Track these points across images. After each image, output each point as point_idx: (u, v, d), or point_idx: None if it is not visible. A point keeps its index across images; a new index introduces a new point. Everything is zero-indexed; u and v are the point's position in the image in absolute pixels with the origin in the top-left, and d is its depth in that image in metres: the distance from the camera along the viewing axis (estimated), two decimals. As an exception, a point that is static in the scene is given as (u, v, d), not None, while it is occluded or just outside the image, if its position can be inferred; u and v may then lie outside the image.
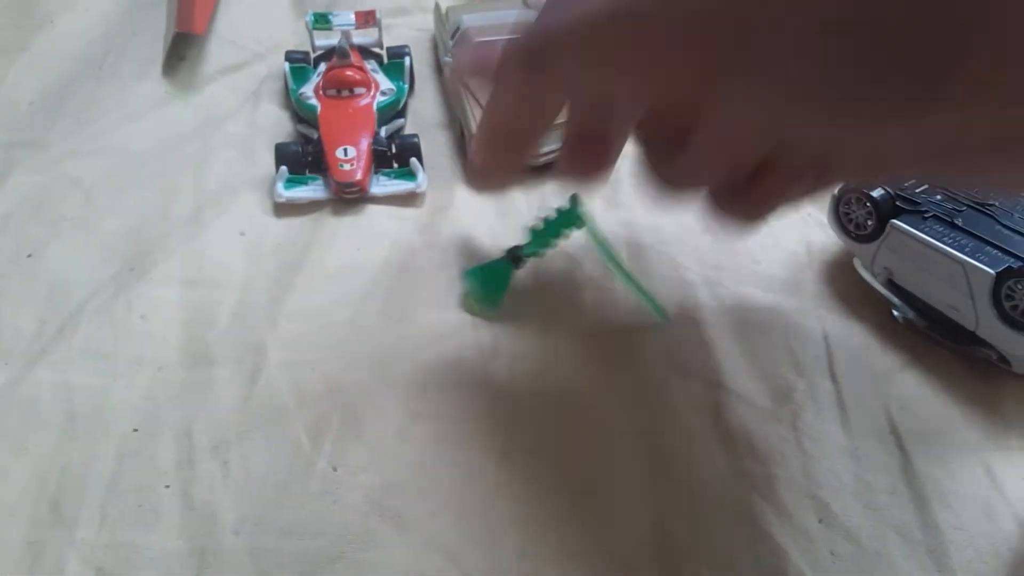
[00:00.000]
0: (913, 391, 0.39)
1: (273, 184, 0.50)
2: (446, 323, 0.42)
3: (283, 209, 0.49)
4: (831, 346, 0.41)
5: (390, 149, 0.52)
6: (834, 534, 0.33)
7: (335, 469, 0.36)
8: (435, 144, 0.55)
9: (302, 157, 0.51)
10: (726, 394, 0.39)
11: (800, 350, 0.41)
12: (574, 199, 0.44)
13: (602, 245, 0.44)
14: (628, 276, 0.43)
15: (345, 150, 0.50)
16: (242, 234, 0.48)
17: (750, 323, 0.42)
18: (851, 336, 0.41)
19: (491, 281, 0.44)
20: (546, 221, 0.46)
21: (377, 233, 0.48)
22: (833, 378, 0.39)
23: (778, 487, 0.35)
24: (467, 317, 0.43)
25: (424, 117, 0.58)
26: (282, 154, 0.51)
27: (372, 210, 0.49)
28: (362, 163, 0.50)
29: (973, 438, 0.37)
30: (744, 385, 0.39)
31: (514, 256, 0.45)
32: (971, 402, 0.38)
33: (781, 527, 0.33)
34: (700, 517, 0.34)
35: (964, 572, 0.32)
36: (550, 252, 0.45)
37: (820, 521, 0.34)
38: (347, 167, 0.49)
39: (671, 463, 0.36)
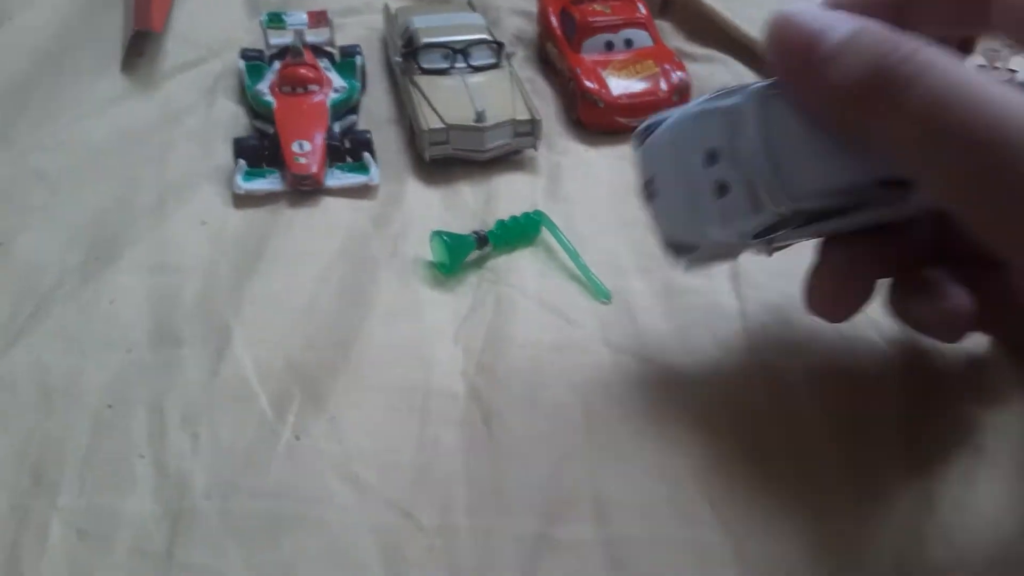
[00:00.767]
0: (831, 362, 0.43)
1: (232, 176, 0.53)
2: (399, 308, 0.46)
3: (242, 200, 0.52)
4: (747, 322, 0.45)
5: (343, 144, 0.55)
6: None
7: (298, 438, 0.39)
8: (387, 139, 0.58)
9: (260, 151, 0.54)
10: (654, 368, 0.43)
11: (718, 325, 0.45)
12: (539, 211, 0.51)
13: (555, 230, 0.50)
14: (575, 255, 0.48)
15: (300, 144, 0.53)
16: (203, 223, 0.50)
17: (678, 307, 0.46)
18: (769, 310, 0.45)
19: (454, 249, 0.48)
20: (513, 218, 0.50)
21: (332, 223, 0.51)
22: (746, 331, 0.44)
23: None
24: (419, 301, 0.46)
25: (376, 114, 0.61)
26: (241, 148, 0.54)
27: (327, 202, 0.53)
28: (317, 157, 0.53)
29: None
30: (672, 360, 0.43)
31: (479, 235, 0.48)
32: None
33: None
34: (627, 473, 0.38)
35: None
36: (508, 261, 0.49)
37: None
38: (302, 160, 0.52)
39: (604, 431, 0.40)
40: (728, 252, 0.37)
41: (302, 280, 0.47)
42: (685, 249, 0.36)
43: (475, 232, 0.49)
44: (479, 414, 0.40)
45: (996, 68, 0.56)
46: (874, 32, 0.27)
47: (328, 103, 0.57)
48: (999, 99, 0.24)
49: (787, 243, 0.35)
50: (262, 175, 0.53)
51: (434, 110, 0.56)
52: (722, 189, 0.31)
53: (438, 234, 0.48)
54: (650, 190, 0.37)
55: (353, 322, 0.45)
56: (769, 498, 0.37)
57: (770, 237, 0.30)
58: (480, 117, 0.54)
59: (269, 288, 0.46)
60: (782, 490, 0.37)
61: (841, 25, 0.27)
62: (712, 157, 0.32)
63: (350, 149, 0.55)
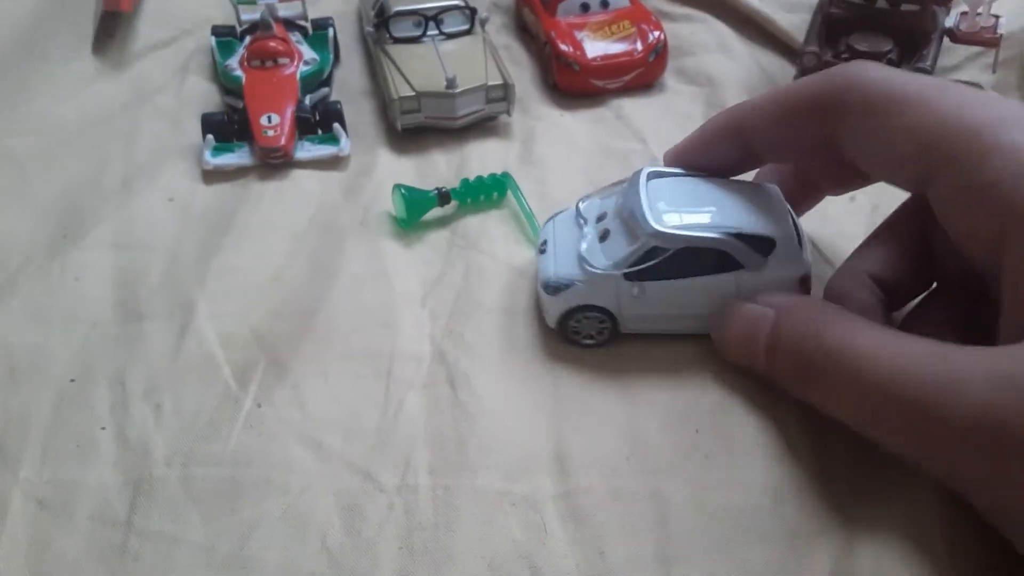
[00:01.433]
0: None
1: (201, 152, 0.52)
2: (367, 275, 0.45)
3: (211, 176, 0.52)
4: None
5: (314, 116, 0.54)
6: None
7: (259, 405, 0.38)
8: (360, 111, 0.58)
9: (228, 125, 0.53)
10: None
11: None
12: (506, 173, 0.50)
13: (517, 193, 0.49)
14: (530, 217, 0.47)
15: (269, 117, 0.53)
16: (171, 200, 0.50)
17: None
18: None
19: (414, 203, 0.48)
20: (479, 177, 0.49)
21: (302, 195, 0.50)
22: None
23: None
24: (387, 269, 0.46)
25: (349, 85, 0.60)
26: (208, 123, 0.53)
27: (297, 174, 0.52)
28: (285, 129, 0.52)
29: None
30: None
31: (441, 192, 0.48)
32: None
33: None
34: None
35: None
36: (471, 221, 0.49)
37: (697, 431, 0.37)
38: (271, 133, 0.52)
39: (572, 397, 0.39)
40: (602, 291, 0.40)
41: (269, 252, 0.46)
42: (562, 287, 0.40)
43: (437, 188, 0.48)
44: (444, 376, 0.40)
45: (979, 14, 0.54)
46: (791, 317, 0.35)
47: (298, 76, 0.56)
48: (902, 358, 0.30)
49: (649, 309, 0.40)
50: (231, 149, 0.53)
51: (405, 78, 0.55)
52: (605, 235, 0.40)
53: (398, 187, 0.48)
54: (543, 248, 0.42)
55: (319, 291, 0.44)
56: (734, 451, 0.36)
57: (640, 269, 0.38)
58: (451, 83, 0.53)
59: (235, 262, 0.46)
60: (747, 440, 0.36)
61: (767, 316, 0.36)
62: (601, 217, 0.41)
63: (320, 121, 0.54)
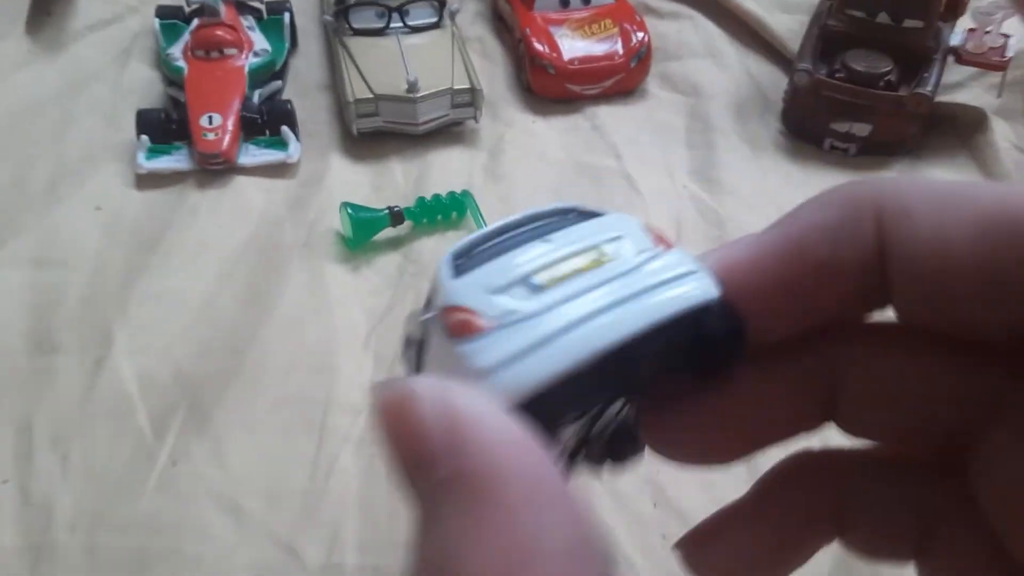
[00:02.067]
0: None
1: (135, 154, 0.48)
2: (307, 307, 0.41)
3: (145, 181, 0.47)
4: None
5: (261, 116, 0.50)
6: (668, 517, 0.34)
7: (175, 464, 0.35)
8: (315, 108, 0.53)
9: (166, 124, 0.49)
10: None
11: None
12: (466, 192, 0.46)
13: (477, 215, 0.46)
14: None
15: (210, 118, 0.48)
16: (99, 209, 0.46)
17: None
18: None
19: (363, 223, 0.44)
20: (436, 196, 0.45)
21: (242, 207, 0.46)
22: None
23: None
24: (330, 300, 0.42)
25: (306, 78, 0.56)
26: (144, 121, 0.49)
27: (240, 182, 0.48)
28: (228, 132, 0.48)
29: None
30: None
31: (393, 211, 0.44)
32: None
33: (616, 512, 0.34)
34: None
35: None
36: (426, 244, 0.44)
37: (655, 505, 0.34)
38: (211, 136, 0.47)
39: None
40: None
41: (201, 275, 0.42)
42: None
43: (389, 208, 0.44)
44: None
45: (988, 32, 0.50)
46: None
47: (246, 69, 0.51)
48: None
49: None
50: (167, 151, 0.48)
51: (363, 78, 0.50)
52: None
53: (345, 206, 0.44)
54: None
55: (253, 324, 0.40)
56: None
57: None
58: (412, 86, 0.49)
59: (163, 285, 0.42)
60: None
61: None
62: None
63: (268, 122, 0.50)
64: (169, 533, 0.33)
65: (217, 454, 0.35)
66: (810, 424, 0.19)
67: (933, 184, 0.17)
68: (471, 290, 0.17)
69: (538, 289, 0.17)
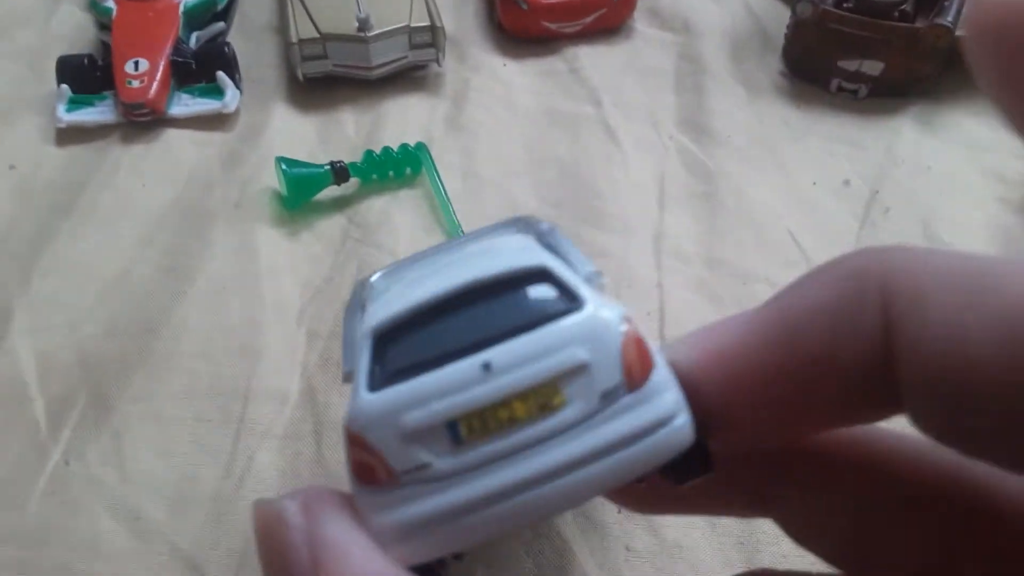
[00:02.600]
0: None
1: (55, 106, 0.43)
2: (233, 278, 0.36)
3: (66, 136, 0.42)
4: (663, 293, 0.35)
5: (197, 61, 0.44)
6: (634, 527, 0.29)
7: (68, 463, 0.30)
8: (260, 53, 0.48)
9: (90, 72, 0.44)
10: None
11: (632, 295, 0.35)
12: (421, 144, 0.41)
13: (432, 172, 0.40)
14: (445, 205, 0.38)
15: (136, 63, 0.43)
16: (12, 168, 0.41)
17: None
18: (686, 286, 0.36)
19: (301, 181, 0.39)
20: (386, 149, 0.40)
21: (170, 165, 0.41)
22: (662, 335, 0.34)
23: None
24: (260, 269, 0.37)
25: (253, 19, 0.50)
26: (65, 68, 0.44)
27: (170, 136, 0.43)
28: (156, 79, 0.42)
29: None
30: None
31: (336, 168, 0.39)
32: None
33: (574, 522, 0.29)
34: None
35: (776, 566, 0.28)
36: (375, 204, 0.39)
37: (619, 512, 0.29)
38: (136, 84, 0.42)
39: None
40: None
41: (117, 242, 0.37)
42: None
43: (332, 163, 0.39)
44: (311, 425, 0.32)
45: None
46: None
47: (181, 8, 0.46)
48: None
49: None
50: (90, 103, 0.43)
51: (309, 16, 0.45)
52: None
53: (280, 160, 0.38)
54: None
55: (170, 298, 0.35)
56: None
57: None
58: (364, 24, 0.43)
59: (72, 254, 0.37)
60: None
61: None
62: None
63: (203, 67, 0.44)
64: (57, 545, 0.29)
65: (116, 452, 0.31)
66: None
67: (952, 261, 0.14)
68: (384, 424, 0.15)
69: (459, 444, 0.14)
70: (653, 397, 0.15)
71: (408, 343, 0.16)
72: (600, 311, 0.15)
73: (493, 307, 0.15)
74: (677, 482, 0.16)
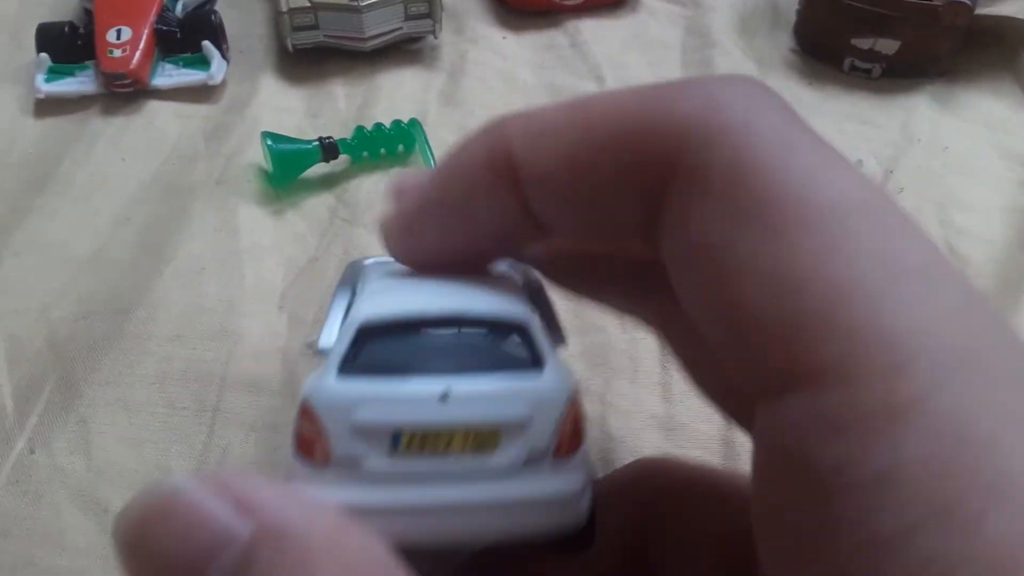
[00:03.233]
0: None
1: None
2: (214, 258, 0.35)
3: (45, 108, 0.41)
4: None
5: (181, 29, 0.43)
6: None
7: (33, 452, 0.29)
8: (250, 22, 0.46)
9: (71, 40, 0.42)
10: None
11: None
12: (414, 120, 0.39)
13: (426, 149, 0.39)
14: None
15: (119, 32, 0.41)
16: (-12, 140, 0.39)
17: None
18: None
19: (287, 157, 0.37)
20: (378, 125, 0.39)
21: (152, 138, 0.39)
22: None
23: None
24: (241, 249, 0.35)
25: (245, -14, 0.48)
26: (44, 36, 0.42)
27: (152, 108, 0.41)
28: (139, 48, 0.41)
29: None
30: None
31: (325, 144, 0.37)
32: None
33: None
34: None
35: None
36: (365, 183, 0.38)
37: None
38: (117, 53, 0.40)
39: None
40: None
41: (93, 220, 0.36)
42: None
43: (320, 139, 0.37)
44: (291, 416, 0.30)
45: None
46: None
47: (167, -26, 0.44)
48: None
49: None
50: (70, 72, 0.41)
51: (299, -18, 0.43)
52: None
53: (266, 136, 0.37)
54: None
55: (145, 279, 0.34)
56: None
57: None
58: (357, -8, 0.42)
59: (46, 232, 0.35)
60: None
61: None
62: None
63: (189, 36, 0.43)
64: (19, 538, 0.27)
65: (83, 440, 0.29)
66: None
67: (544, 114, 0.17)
68: (339, 410, 0.16)
69: (395, 451, 0.15)
70: (570, 472, 0.16)
71: (386, 345, 0.17)
72: (555, 380, 0.16)
73: (469, 340, 0.17)
74: (556, 554, 0.18)
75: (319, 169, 0.38)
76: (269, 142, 0.36)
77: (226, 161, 0.38)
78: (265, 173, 0.38)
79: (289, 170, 0.37)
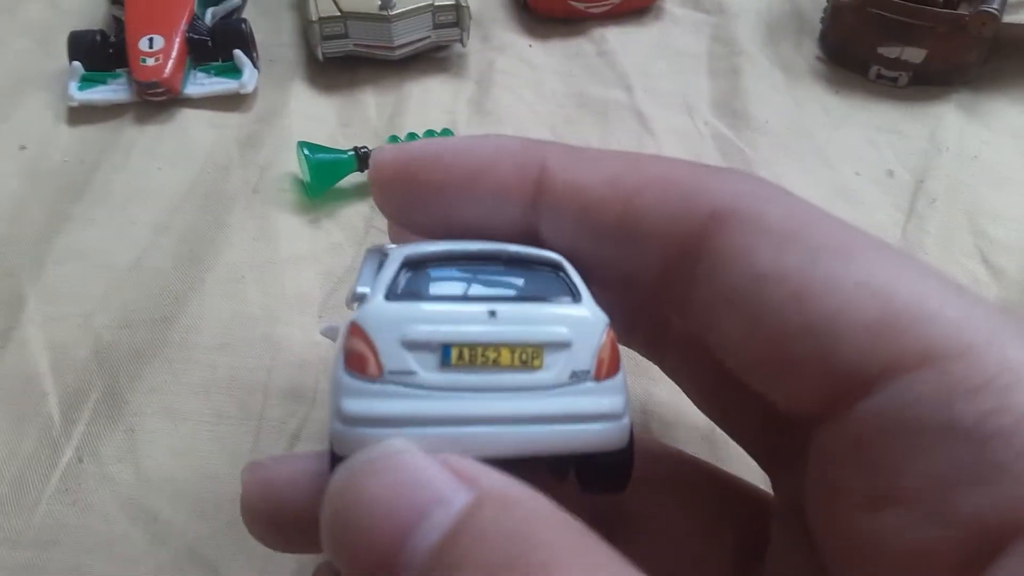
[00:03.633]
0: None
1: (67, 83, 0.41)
2: (252, 267, 0.35)
3: (78, 115, 0.41)
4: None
5: (212, 38, 0.43)
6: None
7: (81, 460, 0.29)
8: (279, 30, 0.47)
9: (103, 48, 0.42)
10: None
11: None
12: (447, 131, 0.40)
13: None
14: None
15: (151, 40, 0.41)
16: (23, 148, 0.39)
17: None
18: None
19: (324, 167, 0.37)
20: (411, 135, 0.39)
21: (186, 147, 0.40)
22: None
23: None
24: (280, 258, 0.35)
25: (271, -5, 0.49)
26: (77, 44, 0.42)
27: (185, 116, 0.41)
28: (172, 57, 0.41)
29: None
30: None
31: (360, 153, 0.38)
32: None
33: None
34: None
35: None
36: None
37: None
38: (150, 62, 0.41)
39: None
40: None
41: (131, 228, 0.36)
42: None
43: (356, 148, 0.38)
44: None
45: None
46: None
47: (197, -16, 0.44)
48: None
49: None
50: (103, 81, 0.42)
51: (329, -8, 0.43)
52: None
53: (302, 146, 0.37)
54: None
55: (186, 288, 0.34)
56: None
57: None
58: (386, 3, 0.42)
59: (86, 240, 0.36)
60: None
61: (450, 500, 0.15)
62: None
63: (219, 45, 0.43)
64: (69, 546, 0.27)
65: (131, 449, 0.29)
66: None
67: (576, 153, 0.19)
68: (389, 326, 0.16)
69: (446, 365, 0.16)
70: (611, 393, 0.17)
71: (432, 276, 0.17)
72: (593, 310, 0.17)
73: (511, 273, 0.18)
74: (585, 488, 0.18)
75: (353, 179, 0.38)
76: (306, 152, 0.37)
77: (261, 170, 0.39)
78: (300, 182, 0.38)
79: (325, 180, 0.38)
